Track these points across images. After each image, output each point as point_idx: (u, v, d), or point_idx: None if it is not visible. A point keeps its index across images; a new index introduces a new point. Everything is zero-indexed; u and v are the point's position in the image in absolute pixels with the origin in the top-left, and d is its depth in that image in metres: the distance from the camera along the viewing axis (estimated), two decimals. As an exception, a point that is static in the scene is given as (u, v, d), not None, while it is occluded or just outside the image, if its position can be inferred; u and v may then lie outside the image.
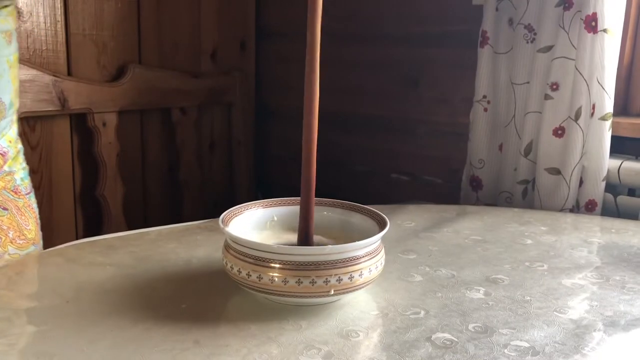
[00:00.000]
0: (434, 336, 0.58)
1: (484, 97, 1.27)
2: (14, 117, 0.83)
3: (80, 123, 1.43)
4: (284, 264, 0.59)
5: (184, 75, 1.62)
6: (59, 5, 1.36)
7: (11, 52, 0.79)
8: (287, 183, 1.86)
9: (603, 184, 1.14)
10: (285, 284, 0.59)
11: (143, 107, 1.55)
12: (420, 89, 1.51)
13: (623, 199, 1.16)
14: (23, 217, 0.84)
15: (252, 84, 1.84)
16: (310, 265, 0.58)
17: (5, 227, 0.81)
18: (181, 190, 1.68)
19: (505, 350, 0.55)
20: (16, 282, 0.70)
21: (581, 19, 1.09)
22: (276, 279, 0.59)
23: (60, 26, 1.37)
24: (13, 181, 0.83)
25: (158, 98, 1.57)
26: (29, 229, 0.85)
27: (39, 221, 0.88)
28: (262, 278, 0.59)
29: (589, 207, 1.15)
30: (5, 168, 0.82)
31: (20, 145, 0.87)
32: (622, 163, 1.15)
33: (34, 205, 0.88)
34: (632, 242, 0.89)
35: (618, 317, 0.64)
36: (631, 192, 1.17)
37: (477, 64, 1.27)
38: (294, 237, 0.70)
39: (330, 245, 0.63)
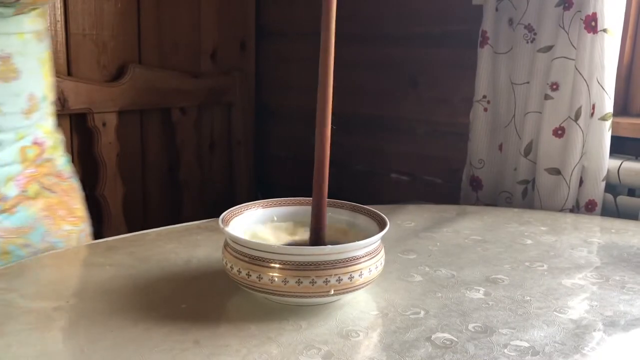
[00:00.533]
0: (434, 336, 0.58)
1: (484, 97, 1.27)
2: (50, 110, 0.88)
3: (80, 123, 1.43)
4: (284, 264, 0.59)
5: (184, 75, 1.62)
6: (59, 5, 1.36)
7: (42, 50, 0.83)
8: (287, 183, 1.86)
9: (603, 184, 1.14)
10: (285, 284, 0.59)
11: (143, 107, 1.55)
12: (420, 89, 1.51)
13: (623, 199, 1.16)
14: (69, 198, 0.90)
15: (252, 84, 1.84)
16: (310, 265, 0.58)
17: (55, 207, 0.86)
18: (181, 190, 1.68)
19: (505, 350, 0.56)
20: (17, 283, 0.70)
21: (581, 19, 1.09)
22: (276, 279, 0.59)
23: (60, 26, 1.37)
24: (55, 167, 0.88)
25: (158, 98, 1.57)
26: (77, 208, 0.91)
27: (84, 202, 0.95)
28: (262, 278, 0.59)
29: (589, 207, 1.15)
30: (45, 155, 0.86)
31: (61, 136, 0.93)
32: (622, 163, 1.15)
33: (78, 187, 0.94)
34: (632, 242, 0.89)
35: (618, 317, 0.64)
36: (631, 192, 1.17)
37: (477, 64, 1.27)
38: (294, 238, 0.70)
39: (330, 245, 0.63)
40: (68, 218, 0.88)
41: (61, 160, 0.90)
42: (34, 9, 0.81)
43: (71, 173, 0.93)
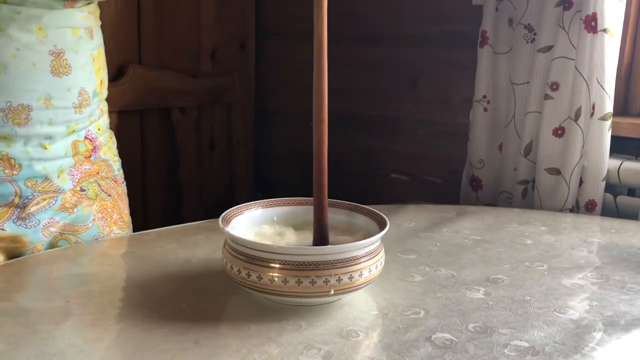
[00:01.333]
0: (433, 336, 0.58)
1: (484, 97, 1.27)
2: (103, 108, 0.91)
3: (80, 123, 1.43)
4: (284, 264, 0.59)
5: (184, 75, 1.62)
6: (59, 5, 1.36)
7: (94, 47, 0.85)
8: (287, 183, 1.86)
9: (603, 184, 1.14)
10: (285, 284, 0.59)
11: (143, 107, 1.55)
12: (420, 89, 1.51)
13: (623, 199, 1.16)
14: (122, 203, 0.93)
15: (252, 84, 1.84)
16: (310, 265, 0.58)
17: (110, 210, 0.89)
18: (181, 190, 1.68)
19: (505, 350, 0.56)
20: (16, 282, 0.71)
21: (581, 19, 1.09)
22: (276, 279, 0.59)
23: (60, 26, 1.37)
24: (112, 170, 0.91)
25: (158, 98, 1.57)
26: (126, 213, 0.95)
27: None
28: (262, 278, 0.59)
29: (589, 207, 1.15)
30: (101, 155, 0.89)
31: (114, 139, 0.95)
32: (622, 163, 1.15)
33: (126, 192, 0.97)
34: (632, 242, 0.89)
35: (618, 317, 0.64)
36: (631, 192, 1.17)
37: (477, 64, 1.27)
38: (294, 237, 0.70)
39: (330, 245, 0.63)
40: (119, 222, 0.91)
41: (117, 165, 0.93)
42: (85, 3, 0.82)
43: (123, 178, 0.96)
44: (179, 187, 1.68)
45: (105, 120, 0.92)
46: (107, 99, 1.46)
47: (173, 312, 0.61)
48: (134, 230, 0.96)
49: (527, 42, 1.19)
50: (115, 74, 1.49)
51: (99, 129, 0.88)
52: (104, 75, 0.89)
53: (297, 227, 0.71)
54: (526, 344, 0.57)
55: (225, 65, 1.75)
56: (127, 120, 1.52)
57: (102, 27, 0.91)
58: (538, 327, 0.60)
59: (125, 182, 0.96)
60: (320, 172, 0.62)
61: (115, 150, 0.94)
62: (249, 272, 0.60)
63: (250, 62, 1.82)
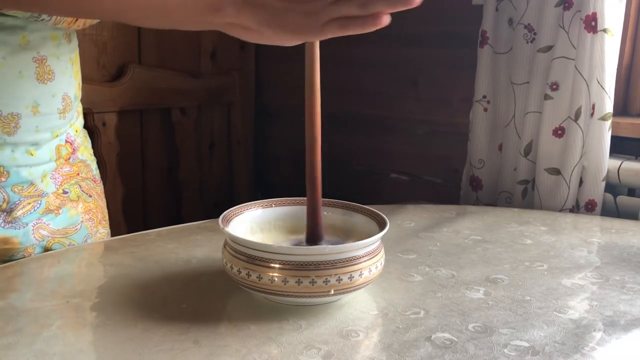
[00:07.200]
0: (433, 336, 0.58)
1: (484, 97, 1.27)
2: (79, 109, 0.91)
3: (80, 123, 1.43)
4: (284, 264, 0.59)
5: (184, 75, 1.62)
6: (59, 5, 1.36)
7: (72, 50, 0.86)
8: (287, 183, 1.86)
9: (603, 184, 1.14)
10: (285, 284, 0.59)
11: (143, 107, 1.55)
12: (420, 89, 1.51)
13: (623, 199, 1.16)
14: (102, 202, 0.94)
15: (252, 84, 1.84)
16: (310, 265, 0.58)
17: (94, 210, 0.90)
18: (181, 190, 1.68)
19: (505, 350, 0.56)
20: (16, 283, 0.71)
21: (581, 19, 1.09)
22: (276, 279, 0.59)
23: (60, 26, 1.37)
24: (91, 171, 0.91)
25: (158, 98, 1.57)
26: (106, 212, 0.96)
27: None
28: (262, 278, 0.59)
29: (589, 207, 1.15)
30: (78, 156, 0.89)
31: (88, 138, 0.95)
32: (622, 163, 1.15)
33: (103, 191, 0.98)
34: (632, 242, 0.89)
35: (618, 317, 0.64)
36: (631, 192, 1.17)
37: (477, 64, 1.27)
38: (294, 237, 0.70)
39: (330, 245, 0.63)
40: (102, 222, 0.92)
41: (94, 165, 0.94)
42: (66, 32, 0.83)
43: (100, 177, 0.96)
44: (179, 187, 1.68)
45: (81, 121, 0.92)
46: (108, 99, 1.47)
47: (173, 312, 0.61)
48: (134, 230, 0.96)
49: (527, 42, 1.19)
50: (115, 74, 1.49)
51: (76, 131, 0.89)
52: (80, 78, 0.90)
53: (297, 227, 0.71)
54: (526, 344, 0.57)
55: (225, 65, 1.75)
56: (127, 120, 1.52)
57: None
58: (538, 327, 0.60)
59: (102, 182, 0.97)
60: (313, 171, 0.62)
61: (91, 150, 0.94)
62: (249, 272, 0.60)
63: (250, 62, 1.82)
